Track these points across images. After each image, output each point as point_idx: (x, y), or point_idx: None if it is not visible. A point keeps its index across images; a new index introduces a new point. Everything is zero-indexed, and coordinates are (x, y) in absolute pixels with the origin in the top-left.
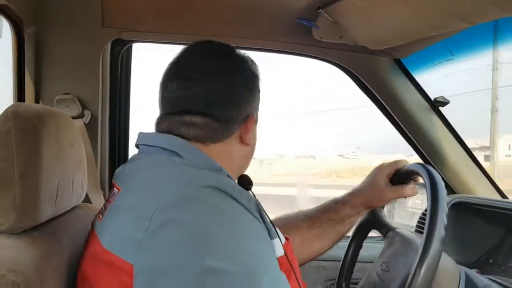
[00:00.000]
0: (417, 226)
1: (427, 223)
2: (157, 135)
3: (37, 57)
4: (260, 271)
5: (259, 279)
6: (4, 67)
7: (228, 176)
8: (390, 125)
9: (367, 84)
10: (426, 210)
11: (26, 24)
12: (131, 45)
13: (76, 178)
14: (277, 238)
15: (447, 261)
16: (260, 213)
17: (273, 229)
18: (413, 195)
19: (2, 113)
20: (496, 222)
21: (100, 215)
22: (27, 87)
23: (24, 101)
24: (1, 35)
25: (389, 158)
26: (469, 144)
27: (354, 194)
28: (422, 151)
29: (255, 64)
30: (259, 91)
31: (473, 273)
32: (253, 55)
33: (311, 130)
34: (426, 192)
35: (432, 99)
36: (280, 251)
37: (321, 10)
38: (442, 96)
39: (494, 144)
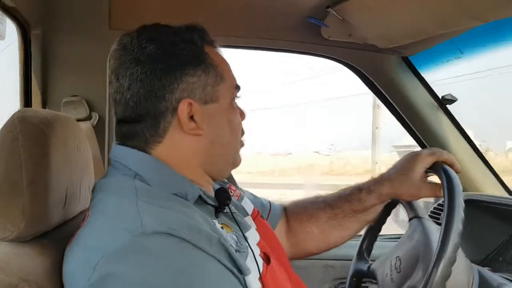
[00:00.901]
0: (431, 213)
1: (444, 218)
2: (121, 149)
3: (44, 59)
4: None
5: None
6: (10, 70)
7: (193, 185)
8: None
9: (375, 83)
10: (442, 201)
11: (32, 26)
12: None
13: (84, 182)
14: (251, 274)
15: (462, 258)
16: (227, 250)
17: (244, 265)
18: None
19: (9, 119)
20: (504, 220)
21: (72, 237)
22: (34, 89)
23: (31, 103)
24: (5, 37)
25: (365, 153)
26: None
27: (380, 182)
28: None
29: (181, 33)
30: (196, 65)
31: (485, 271)
32: (261, 54)
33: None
34: (442, 187)
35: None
36: (255, 285)
37: (330, 9)
38: (450, 94)
39: None
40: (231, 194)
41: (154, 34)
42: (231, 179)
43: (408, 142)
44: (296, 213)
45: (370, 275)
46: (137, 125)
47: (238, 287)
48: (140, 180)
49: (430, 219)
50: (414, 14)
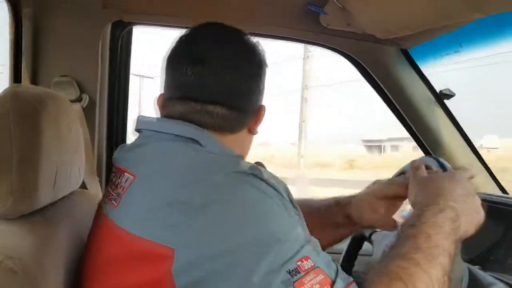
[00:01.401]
0: None
1: None
2: (170, 122)
3: (35, 38)
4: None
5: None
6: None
7: None
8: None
9: (372, 74)
10: None
11: (24, 4)
12: (132, 28)
13: (74, 164)
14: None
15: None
16: (290, 199)
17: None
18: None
19: (0, 94)
20: (497, 218)
21: (112, 202)
22: (24, 68)
23: (21, 83)
24: None
25: (341, 147)
26: (380, 136)
27: (351, 203)
28: (425, 143)
29: (263, 50)
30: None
31: (476, 269)
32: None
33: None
34: None
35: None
36: None
37: None
38: (448, 89)
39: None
40: None
41: (256, 48)
42: None
43: (378, 137)
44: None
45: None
46: (227, 114)
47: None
48: (199, 145)
49: None
50: (415, 5)
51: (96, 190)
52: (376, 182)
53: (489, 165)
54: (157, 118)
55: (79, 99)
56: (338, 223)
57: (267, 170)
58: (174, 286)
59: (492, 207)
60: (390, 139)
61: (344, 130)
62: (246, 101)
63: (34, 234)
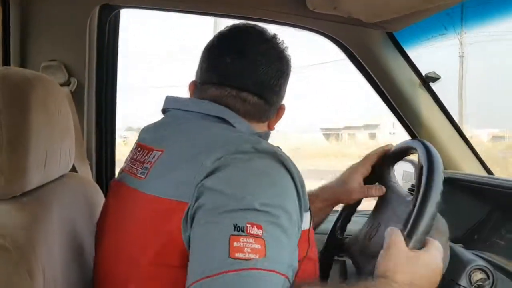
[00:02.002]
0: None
1: (422, 188)
2: (200, 102)
3: (23, 22)
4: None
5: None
6: None
7: None
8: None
9: (358, 57)
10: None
11: None
12: (119, 11)
13: (64, 147)
14: (309, 212)
15: (443, 236)
16: (302, 185)
17: (308, 202)
18: (379, 195)
19: None
20: (482, 199)
21: (138, 175)
22: (12, 53)
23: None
24: None
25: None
26: (358, 122)
27: (325, 189)
28: (410, 126)
29: (290, 54)
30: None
31: (457, 247)
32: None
33: None
34: (421, 161)
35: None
36: (307, 224)
37: None
38: (434, 72)
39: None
40: None
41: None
42: None
43: (336, 126)
44: None
45: (345, 248)
46: (258, 102)
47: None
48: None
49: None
50: None
51: (86, 173)
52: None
53: None
54: (186, 98)
55: (67, 83)
56: (315, 210)
57: (290, 160)
58: (181, 239)
59: (477, 187)
60: (346, 127)
61: (307, 118)
62: (274, 95)
63: (26, 213)
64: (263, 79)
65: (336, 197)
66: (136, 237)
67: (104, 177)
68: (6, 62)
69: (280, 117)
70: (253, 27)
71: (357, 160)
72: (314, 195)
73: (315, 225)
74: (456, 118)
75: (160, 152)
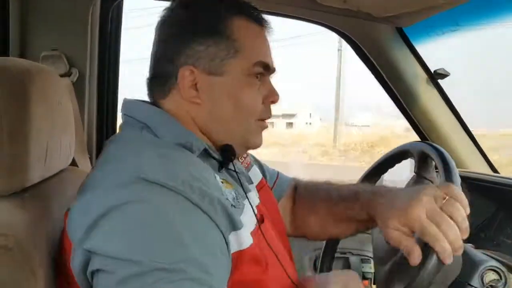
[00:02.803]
0: None
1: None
2: (131, 102)
3: (23, 10)
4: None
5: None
6: None
7: (198, 138)
8: None
9: (366, 53)
10: None
11: None
12: (122, 1)
13: (64, 139)
14: (244, 228)
15: None
16: (223, 205)
17: (238, 219)
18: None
19: None
20: (488, 197)
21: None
22: (12, 42)
23: (8, 56)
24: None
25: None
26: (276, 111)
27: (373, 205)
28: (417, 123)
29: (208, 2)
30: (208, 35)
31: (469, 247)
32: None
33: None
34: (438, 166)
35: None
36: (246, 242)
37: None
38: (443, 68)
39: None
40: (241, 161)
41: (185, 1)
42: None
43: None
44: (302, 198)
45: None
46: (152, 80)
47: (219, 242)
48: (148, 132)
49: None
50: None
51: (86, 167)
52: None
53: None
54: (129, 100)
55: (68, 74)
56: (356, 219)
57: (191, 175)
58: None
59: (484, 186)
60: (284, 115)
61: None
62: (160, 64)
63: (27, 211)
64: (153, 54)
65: (379, 224)
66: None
67: None
68: (5, 51)
69: (184, 84)
70: None
71: (275, 149)
72: (360, 205)
73: (365, 228)
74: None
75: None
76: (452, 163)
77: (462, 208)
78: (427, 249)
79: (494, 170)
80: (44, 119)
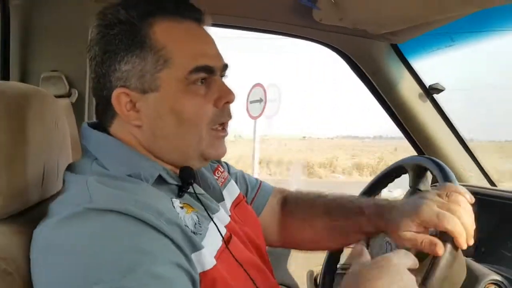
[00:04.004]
0: None
1: None
2: (84, 130)
3: (23, 32)
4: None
5: None
6: None
7: (154, 164)
8: None
9: (362, 69)
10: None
11: None
12: None
13: (61, 160)
14: (206, 248)
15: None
16: (179, 226)
17: (200, 238)
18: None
19: None
20: (487, 211)
21: None
22: (12, 63)
23: (9, 77)
24: None
25: None
26: None
27: (380, 217)
28: (414, 138)
29: (119, 13)
30: (130, 50)
31: (470, 261)
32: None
33: None
34: (432, 172)
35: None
36: (209, 263)
37: None
38: (438, 83)
39: None
40: (217, 177)
41: (101, 14)
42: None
43: None
44: (295, 211)
45: None
46: (97, 107)
47: (180, 261)
48: (98, 164)
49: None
50: None
51: None
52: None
53: None
54: (85, 128)
55: (68, 94)
56: (361, 231)
57: (142, 200)
58: None
59: (483, 200)
60: None
61: None
62: (95, 87)
63: (25, 234)
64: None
65: (390, 235)
66: None
67: None
68: (6, 73)
69: (121, 107)
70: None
71: None
72: (367, 219)
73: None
74: None
75: None
76: (446, 166)
77: (466, 199)
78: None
79: (491, 183)
80: (41, 141)
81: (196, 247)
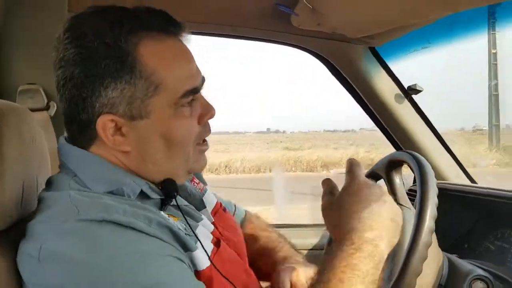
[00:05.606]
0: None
1: (418, 203)
2: (62, 146)
3: None
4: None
5: None
6: None
7: (135, 178)
8: None
9: (342, 72)
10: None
11: None
12: None
13: (40, 177)
14: (199, 250)
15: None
16: (170, 228)
17: (192, 241)
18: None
19: None
20: (468, 208)
21: None
22: None
23: None
24: None
25: None
26: None
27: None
28: (395, 138)
29: (105, 34)
30: (119, 76)
31: (454, 258)
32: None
33: None
34: (414, 174)
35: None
36: (203, 263)
37: None
38: (416, 84)
39: None
40: (195, 186)
41: (78, 32)
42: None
43: None
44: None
45: None
46: (70, 125)
47: (179, 262)
48: (77, 182)
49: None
50: (384, 3)
51: None
52: None
53: None
54: (61, 144)
55: (46, 108)
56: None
57: (130, 207)
58: None
59: (463, 197)
60: None
61: None
62: (72, 110)
63: (3, 257)
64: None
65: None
66: None
67: None
68: None
69: (106, 133)
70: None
71: None
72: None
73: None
74: None
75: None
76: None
77: None
78: None
79: (471, 180)
80: (18, 159)
81: (189, 248)
